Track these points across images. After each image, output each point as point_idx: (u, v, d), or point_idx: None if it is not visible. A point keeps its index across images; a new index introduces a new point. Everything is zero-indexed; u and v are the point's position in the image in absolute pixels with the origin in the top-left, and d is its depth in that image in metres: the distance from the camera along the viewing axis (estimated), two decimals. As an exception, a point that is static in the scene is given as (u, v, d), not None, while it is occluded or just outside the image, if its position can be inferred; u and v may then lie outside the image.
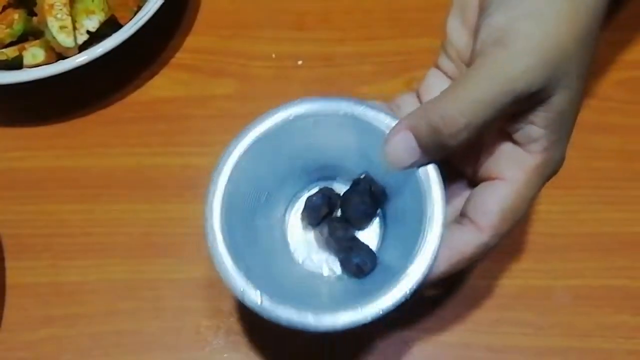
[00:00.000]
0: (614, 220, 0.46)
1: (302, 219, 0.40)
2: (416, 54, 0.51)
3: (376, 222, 0.39)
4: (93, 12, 0.48)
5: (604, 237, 0.45)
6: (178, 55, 0.52)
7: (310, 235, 0.39)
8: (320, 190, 0.39)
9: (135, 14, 0.48)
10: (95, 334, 0.44)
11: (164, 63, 0.51)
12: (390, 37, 0.52)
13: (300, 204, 0.40)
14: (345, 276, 0.38)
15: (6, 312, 0.44)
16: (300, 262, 0.39)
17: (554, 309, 0.44)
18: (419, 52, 0.51)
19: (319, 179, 0.40)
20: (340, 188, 0.40)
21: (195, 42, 0.52)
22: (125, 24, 0.48)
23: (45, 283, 0.45)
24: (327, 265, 0.39)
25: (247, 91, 0.50)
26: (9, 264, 0.45)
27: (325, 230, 0.38)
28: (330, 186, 0.40)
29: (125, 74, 0.46)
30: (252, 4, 0.53)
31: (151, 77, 0.51)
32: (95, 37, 0.48)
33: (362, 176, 0.38)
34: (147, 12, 0.47)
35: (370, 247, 0.38)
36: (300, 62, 0.51)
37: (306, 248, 0.39)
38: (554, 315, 0.43)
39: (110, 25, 0.48)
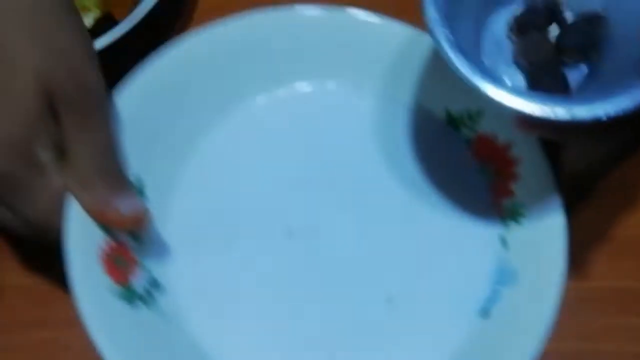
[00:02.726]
0: (622, 222, 0.45)
1: (514, 21, 0.37)
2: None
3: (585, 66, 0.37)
4: (88, 9, 0.47)
5: (611, 239, 0.45)
6: (175, 52, 0.51)
7: (509, 45, 0.38)
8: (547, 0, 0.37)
9: (132, 10, 0.48)
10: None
11: (161, 60, 0.50)
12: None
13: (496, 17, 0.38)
14: None
15: (1, 312, 0.44)
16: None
17: (560, 311, 0.43)
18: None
19: None
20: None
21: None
22: (121, 20, 0.47)
23: (42, 284, 0.44)
24: (508, 76, 0.37)
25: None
26: (4, 264, 0.45)
27: (531, 39, 0.36)
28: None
29: (120, 71, 0.45)
30: (249, 0, 0.53)
31: (148, 74, 0.50)
32: (90, 34, 0.47)
33: (597, 11, 0.36)
34: (143, 9, 0.47)
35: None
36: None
37: (501, 58, 0.38)
38: (560, 317, 0.43)
39: (105, 22, 0.47)
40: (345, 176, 0.42)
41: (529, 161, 0.40)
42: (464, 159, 0.42)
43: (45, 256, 0.40)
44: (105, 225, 0.37)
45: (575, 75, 0.37)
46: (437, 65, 0.41)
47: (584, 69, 0.37)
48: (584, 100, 0.32)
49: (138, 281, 0.38)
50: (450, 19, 0.34)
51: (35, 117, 0.34)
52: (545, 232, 0.39)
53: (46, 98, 0.34)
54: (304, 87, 0.43)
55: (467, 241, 0.41)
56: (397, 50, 0.42)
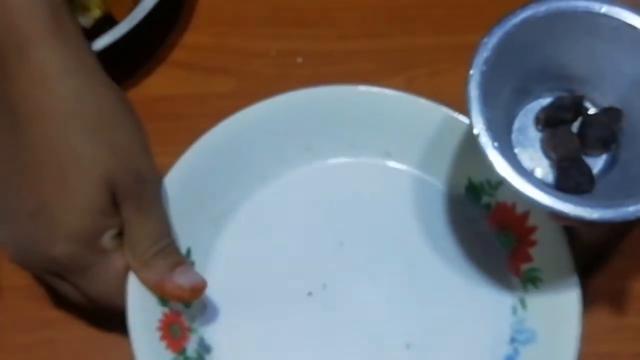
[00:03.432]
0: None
1: (542, 113, 0.40)
2: (417, 51, 0.50)
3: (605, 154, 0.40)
4: (88, 9, 0.47)
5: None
6: (175, 52, 0.51)
7: (536, 134, 0.40)
8: (574, 94, 0.40)
9: (132, 10, 0.48)
10: (92, 337, 0.43)
11: (161, 60, 0.51)
12: (391, 34, 0.51)
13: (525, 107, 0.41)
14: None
15: (1, 313, 0.44)
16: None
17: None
18: (421, 50, 0.50)
19: (560, 90, 0.41)
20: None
21: (193, 39, 0.51)
22: (121, 20, 0.47)
23: (41, 285, 0.44)
24: (535, 163, 0.40)
25: (245, 89, 0.50)
26: (4, 265, 0.44)
27: (558, 134, 0.39)
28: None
29: (120, 72, 0.45)
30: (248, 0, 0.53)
31: (147, 74, 0.50)
32: (90, 34, 0.47)
33: (615, 106, 0.39)
34: (143, 9, 0.47)
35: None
36: (300, 60, 0.50)
37: (529, 145, 0.40)
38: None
39: (105, 22, 0.47)
40: (372, 241, 0.44)
41: (545, 229, 0.42)
42: (485, 225, 0.44)
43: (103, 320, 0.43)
44: (166, 298, 0.40)
45: (596, 163, 0.40)
46: (463, 141, 0.44)
47: (604, 157, 0.40)
48: (615, 203, 0.36)
49: (190, 345, 0.41)
50: (489, 117, 0.37)
51: (101, 210, 0.38)
52: (562, 296, 0.41)
53: (110, 192, 0.38)
54: (337, 160, 0.46)
55: (487, 303, 0.43)
56: (426, 125, 0.45)
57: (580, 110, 0.40)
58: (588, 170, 0.39)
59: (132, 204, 0.39)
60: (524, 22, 0.38)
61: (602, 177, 0.39)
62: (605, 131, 0.39)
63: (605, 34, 0.39)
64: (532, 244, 0.42)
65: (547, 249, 0.42)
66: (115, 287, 0.39)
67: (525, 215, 0.43)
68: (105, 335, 0.43)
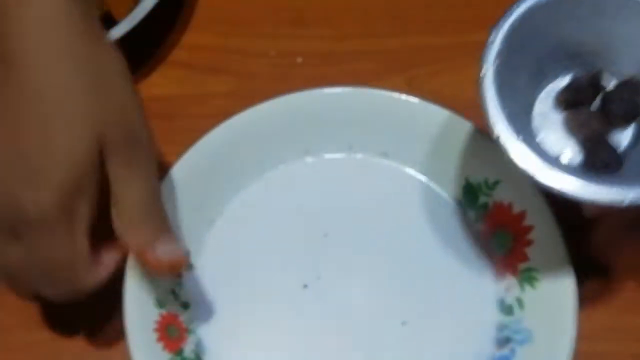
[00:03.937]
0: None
1: (561, 95, 0.40)
2: (418, 51, 0.50)
3: (631, 126, 0.40)
4: (88, 9, 0.47)
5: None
6: (174, 52, 0.51)
7: (558, 116, 0.40)
8: (591, 73, 0.39)
9: (132, 10, 0.48)
10: (92, 337, 0.43)
11: (160, 60, 0.50)
12: (391, 35, 0.51)
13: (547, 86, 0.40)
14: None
15: (2, 313, 0.44)
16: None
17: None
18: (421, 50, 0.50)
19: (576, 66, 0.40)
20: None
21: (192, 39, 0.51)
22: (121, 20, 0.47)
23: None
24: (559, 148, 0.39)
25: (245, 89, 0.50)
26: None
27: (580, 115, 0.39)
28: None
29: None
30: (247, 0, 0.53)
31: (147, 74, 0.50)
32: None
33: (634, 76, 0.39)
34: (143, 9, 0.47)
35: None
36: (299, 60, 0.50)
37: (553, 128, 0.40)
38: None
39: (105, 22, 0.47)
40: (372, 236, 0.45)
41: (542, 228, 0.42)
42: (481, 225, 0.44)
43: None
44: (146, 268, 0.40)
45: (623, 137, 0.40)
46: (462, 141, 0.44)
47: (630, 131, 0.40)
48: None
49: (188, 346, 0.41)
50: (508, 113, 0.36)
51: (84, 162, 0.36)
52: (558, 295, 0.41)
53: (97, 145, 0.36)
54: (330, 156, 0.46)
55: (483, 303, 0.43)
56: (424, 126, 0.45)
57: (599, 87, 0.40)
58: (613, 149, 0.38)
59: (123, 159, 0.37)
60: (530, 10, 0.38)
61: (630, 151, 0.39)
62: (628, 105, 0.39)
63: (611, 11, 0.38)
64: (529, 243, 0.42)
65: (543, 248, 0.42)
66: (67, 265, 0.37)
67: (522, 215, 0.43)
68: (105, 335, 0.43)
